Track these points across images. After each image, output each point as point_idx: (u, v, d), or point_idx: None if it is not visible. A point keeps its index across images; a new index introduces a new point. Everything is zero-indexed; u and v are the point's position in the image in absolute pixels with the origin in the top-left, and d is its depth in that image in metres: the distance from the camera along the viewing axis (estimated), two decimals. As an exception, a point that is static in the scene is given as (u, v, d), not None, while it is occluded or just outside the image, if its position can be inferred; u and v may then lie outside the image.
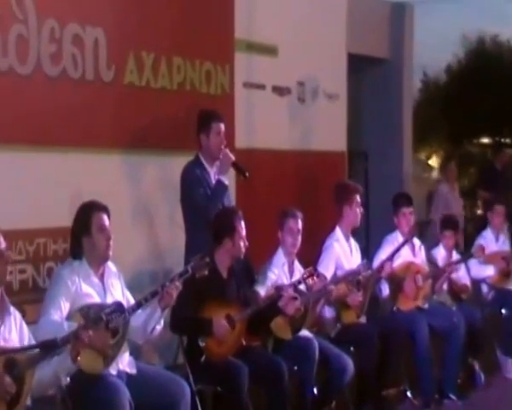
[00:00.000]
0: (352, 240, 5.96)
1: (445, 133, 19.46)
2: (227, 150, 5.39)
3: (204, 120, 5.43)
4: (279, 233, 5.38)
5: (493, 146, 18.74)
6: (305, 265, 5.46)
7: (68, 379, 3.83)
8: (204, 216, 5.15)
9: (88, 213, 4.17)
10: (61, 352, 3.59)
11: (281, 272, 5.34)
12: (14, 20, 4.96)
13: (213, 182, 5.37)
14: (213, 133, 5.38)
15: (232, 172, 5.58)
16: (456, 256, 6.63)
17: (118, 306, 4.00)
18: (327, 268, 5.60)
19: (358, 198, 5.90)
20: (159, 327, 4.27)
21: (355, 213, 5.85)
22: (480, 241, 7.04)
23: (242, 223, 4.89)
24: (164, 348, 5.21)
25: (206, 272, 4.37)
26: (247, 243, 4.90)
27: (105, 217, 4.17)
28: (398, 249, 5.88)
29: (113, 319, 3.92)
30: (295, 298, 5.00)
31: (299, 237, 5.38)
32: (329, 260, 5.68)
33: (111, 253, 4.18)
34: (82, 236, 4.15)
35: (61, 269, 4.25)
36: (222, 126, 5.44)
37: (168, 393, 4.16)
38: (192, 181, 5.29)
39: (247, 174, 5.43)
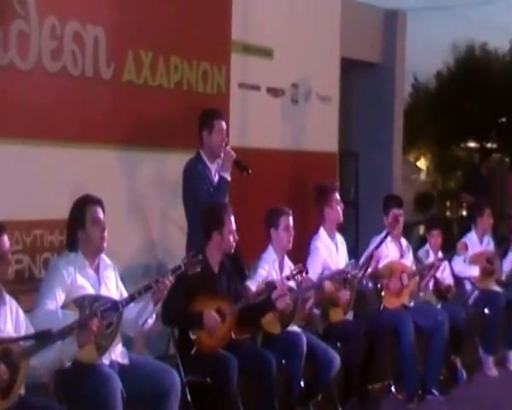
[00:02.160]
0: (337, 236, 5.94)
1: (434, 137, 19.50)
2: (229, 148, 5.36)
3: (207, 118, 5.41)
4: (271, 230, 5.34)
5: (480, 151, 18.81)
6: (295, 262, 5.45)
7: (70, 363, 3.87)
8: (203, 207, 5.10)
9: (82, 206, 4.15)
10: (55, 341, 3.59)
11: (271, 268, 5.32)
12: (15, 16, 4.93)
13: (214, 179, 5.34)
14: (216, 131, 5.36)
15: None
16: (441, 256, 6.63)
17: (114, 304, 3.98)
18: (313, 271, 5.56)
19: (337, 196, 5.87)
20: (150, 321, 4.25)
21: (336, 211, 5.83)
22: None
23: (232, 217, 4.86)
24: (155, 340, 5.19)
25: (199, 269, 4.34)
26: (236, 237, 4.87)
27: (99, 210, 4.15)
28: (381, 243, 5.86)
29: (107, 317, 3.92)
30: (286, 293, 4.99)
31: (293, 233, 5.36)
32: (315, 263, 5.65)
33: (105, 244, 4.16)
34: (77, 229, 4.13)
35: (57, 260, 4.24)
36: (224, 125, 5.42)
37: (159, 383, 4.14)
38: (195, 177, 5.26)
39: (250, 171, 5.38)
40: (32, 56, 5.03)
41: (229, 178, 5.31)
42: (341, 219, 5.89)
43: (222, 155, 5.34)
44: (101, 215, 4.14)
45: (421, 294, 6.31)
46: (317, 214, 5.86)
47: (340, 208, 5.85)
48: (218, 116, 5.40)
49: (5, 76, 4.90)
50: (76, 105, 5.33)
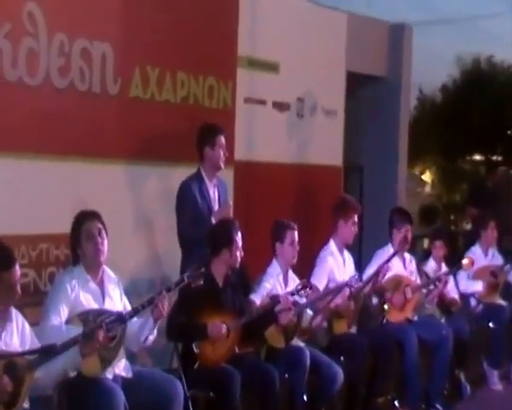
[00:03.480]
0: (345, 252, 5.96)
1: (439, 149, 19.45)
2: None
3: (209, 134, 5.50)
4: (277, 245, 5.36)
5: (486, 163, 18.76)
6: (299, 276, 5.46)
7: (74, 373, 3.91)
8: (183, 240, 5.30)
9: (77, 223, 4.19)
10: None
11: (276, 282, 5.34)
12: (24, 33, 4.96)
13: (211, 195, 5.43)
14: (218, 146, 5.45)
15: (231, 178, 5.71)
16: (445, 269, 6.61)
17: (119, 316, 4.01)
18: (319, 281, 5.60)
19: (356, 218, 5.88)
20: (151, 337, 4.26)
21: (350, 230, 5.84)
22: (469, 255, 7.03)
23: (239, 234, 4.91)
24: (159, 353, 5.20)
25: (202, 282, 4.37)
26: (242, 254, 4.91)
27: (93, 224, 4.16)
28: (388, 260, 5.86)
29: (112, 329, 3.95)
30: (289, 309, 5.01)
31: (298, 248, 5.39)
32: (322, 272, 5.68)
33: (102, 258, 4.17)
34: (75, 245, 4.18)
35: (61, 275, 4.30)
36: (224, 139, 5.52)
37: (162, 392, 4.16)
38: (183, 204, 5.34)
39: None
40: (40, 73, 5.06)
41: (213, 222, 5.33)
42: (351, 240, 5.91)
43: (222, 167, 5.48)
44: (97, 229, 4.15)
45: (427, 305, 6.28)
46: (331, 225, 5.86)
47: (353, 230, 5.85)
48: (219, 131, 5.51)
49: (14, 92, 4.93)
50: (83, 120, 5.35)
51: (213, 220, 5.33)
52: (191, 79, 6.20)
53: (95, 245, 4.13)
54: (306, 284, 5.13)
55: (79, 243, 4.16)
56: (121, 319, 4.00)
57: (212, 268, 4.83)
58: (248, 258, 5.04)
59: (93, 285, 4.18)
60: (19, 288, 3.75)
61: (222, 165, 5.49)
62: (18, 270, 3.73)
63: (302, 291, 5.09)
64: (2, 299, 3.71)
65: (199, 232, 5.15)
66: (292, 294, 5.09)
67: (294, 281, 5.41)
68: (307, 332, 5.40)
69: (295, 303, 5.12)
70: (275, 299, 5.04)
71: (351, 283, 5.53)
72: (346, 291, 5.46)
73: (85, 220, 4.18)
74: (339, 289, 5.50)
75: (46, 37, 5.08)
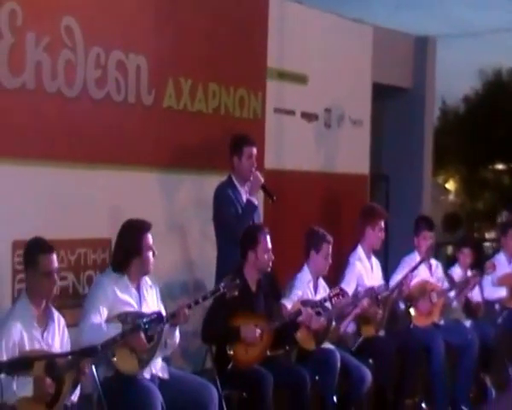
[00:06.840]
0: (373, 258, 5.96)
1: (462, 159, 19.34)
2: (258, 173, 5.41)
3: (237, 144, 5.48)
4: (311, 252, 5.34)
5: (509, 172, 18.60)
6: (327, 282, 5.46)
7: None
8: (233, 234, 5.17)
9: (139, 234, 4.21)
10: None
11: (306, 288, 5.35)
12: (63, 46, 5.04)
13: (244, 201, 5.38)
14: (245, 156, 5.42)
15: (260, 191, 5.57)
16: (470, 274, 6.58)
17: (157, 316, 4.05)
18: (348, 285, 5.61)
19: (383, 224, 5.89)
20: (169, 341, 4.25)
21: (377, 236, 5.86)
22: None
23: (268, 237, 4.88)
24: (193, 354, 5.23)
25: (236, 293, 4.39)
26: (272, 257, 4.89)
27: (150, 235, 4.23)
28: (415, 268, 5.86)
29: (151, 328, 3.98)
30: (319, 313, 5.00)
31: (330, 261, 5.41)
32: (351, 277, 5.70)
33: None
34: (132, 255, 4.19)
35: (101, 277, 4.34)
36: (254, 150, 5.47)
37: (198, 397, 4.20)
38: (223, 201, 5.32)
39: (275, 198, 5.41)
40: (78, 84, 5.13)
41: (256, 202, 5.33)
42: (378, 246, 5.93)
43: (251, 178, 5.38)
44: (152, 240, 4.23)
45: (455, 304, 6.20)
46: (358, 232, 5.87)
47: (380, 235, 5.86)
48: (247, 142, 5.45)
49: (53, 103, 5.00)
50: (119, 130, 5.41)
51: (254, 201, 5.28)
52: (222, 91, 6.23)
53: (153, 256, 4.21)
54: (338, 291, 5.14)
55: (140, 254, 4.16)
56: (159, 319, 4.03)
57: (244, 273, 4.84)
58: (277, 263, 5.05)
59: (132, 289, 4.21)
60: (56, 277, 3.78)
61: (250, 177, 5.38)
62: (55, 259, 3.78)
63: (335, 298, 5.09)
64: (40, 287, 3.73)
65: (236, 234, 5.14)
66: (324, 300, 5.11)
67: (325, 288, 5.42)
68: (336, 336, 5.39)
69: (325, 309, 5.11)
70: (305, 305, 5.04)
71: (378, 290, 5.53)
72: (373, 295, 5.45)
73: (146, 232, 4.21)
74: (366, 295, 5.49)
75: (83, 49, 5.15)
